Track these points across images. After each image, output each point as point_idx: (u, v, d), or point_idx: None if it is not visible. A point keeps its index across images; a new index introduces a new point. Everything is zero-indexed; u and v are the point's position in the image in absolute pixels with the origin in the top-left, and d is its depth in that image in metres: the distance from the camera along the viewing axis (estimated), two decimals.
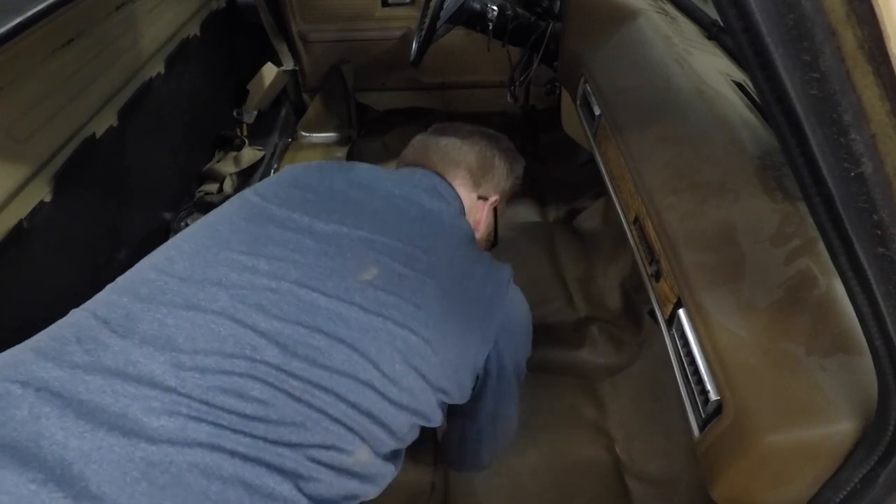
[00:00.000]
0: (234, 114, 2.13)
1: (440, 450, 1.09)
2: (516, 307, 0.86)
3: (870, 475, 0.51)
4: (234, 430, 0.56)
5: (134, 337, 0.61)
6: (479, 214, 0.99)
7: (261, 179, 1.91)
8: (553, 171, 2.02)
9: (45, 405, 0.54)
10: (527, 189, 1.91)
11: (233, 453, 0.55)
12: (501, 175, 1.03)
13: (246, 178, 1.92)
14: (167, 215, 1.68)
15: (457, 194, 0.95)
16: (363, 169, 0.90)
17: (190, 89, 1.78)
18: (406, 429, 0.70)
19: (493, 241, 1.08)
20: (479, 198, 0.99)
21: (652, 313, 0.81)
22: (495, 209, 1.03)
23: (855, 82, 0.32)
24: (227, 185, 1.88)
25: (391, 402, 0.66)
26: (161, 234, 1.64)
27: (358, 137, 2.20)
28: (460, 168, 0.97)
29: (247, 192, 0.84)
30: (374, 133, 2.21)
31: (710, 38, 1.13)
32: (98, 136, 1.30)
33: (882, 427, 0.48)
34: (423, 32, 1.33)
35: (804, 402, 0.54)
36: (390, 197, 0.84)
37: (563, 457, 1.19)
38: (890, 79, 0.32)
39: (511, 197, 1.10)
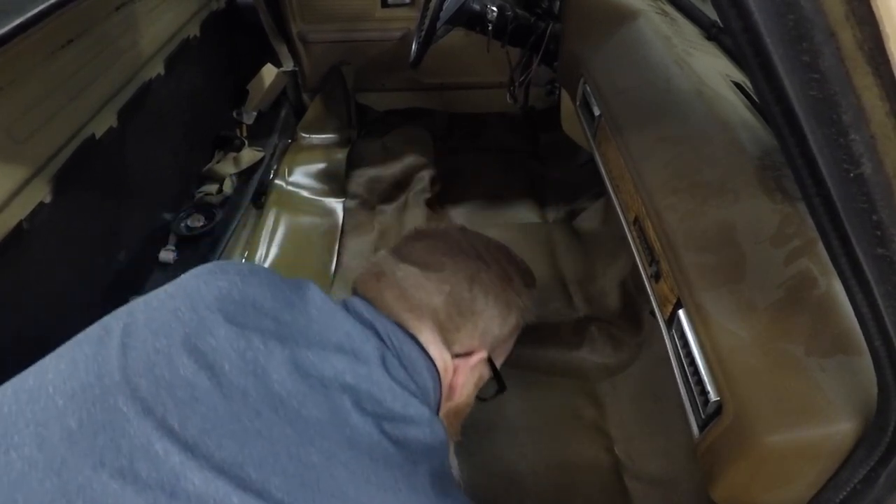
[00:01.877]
0: (234, 114, 2.13)
1: None
2: None
3: (870, 475, 0.51)
4: None
5: None
6: (456, 378, 0.70)
7: (260, 180, 1.90)
8: (553, 171, 2.02)
9: None
10: (527, 189, 1.93)
11: None
12: (490, 322, 0.72)
13: (246, 178, 1.92)
14: (167, 216, 1.68)
15: (431, 361, 0.67)
16: (303, 313, 0.60)
17: (190, 90, 1.78)
18: None
19: (500, 388, 0.79)
20: (457, 356, 0.70)
21: (653, 312, 0.81)
22: (491, 359, 0.74)
23: (854, 83, 0.32)
24: (227, 186, 1.88)
25: None
26: (161, 234, 1.64)
27: (358, 138, 2.19)
28: (423, 316, 0.68)
29: (117, 333, 0.53)
30: (374, 134, 2.21)
31: (709, 38, 1.13)
32: (98, 136, 1.29)
33: (882, 427, 0.48)
34: (423, 33, 1.33)
35: (804, 403, 0.54)
36: (342, 413, 0.52)
37: (563, 457, 1.19)
38: (889, 79, 0.32)
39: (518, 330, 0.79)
